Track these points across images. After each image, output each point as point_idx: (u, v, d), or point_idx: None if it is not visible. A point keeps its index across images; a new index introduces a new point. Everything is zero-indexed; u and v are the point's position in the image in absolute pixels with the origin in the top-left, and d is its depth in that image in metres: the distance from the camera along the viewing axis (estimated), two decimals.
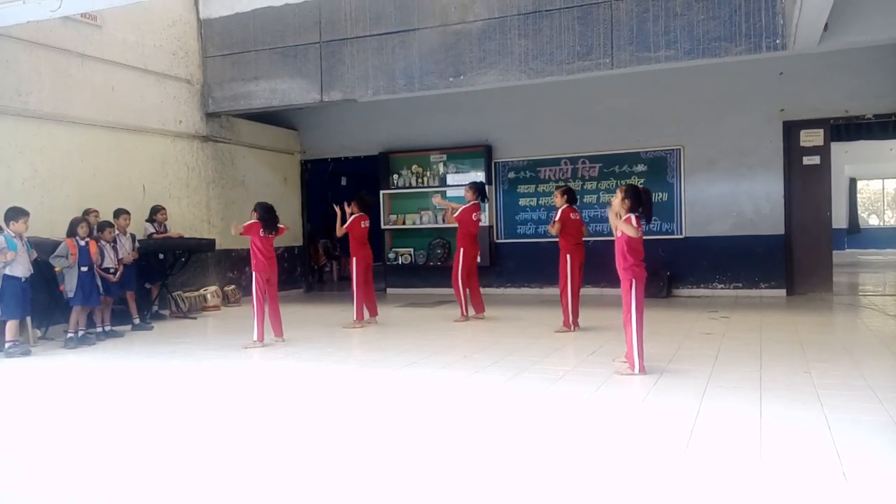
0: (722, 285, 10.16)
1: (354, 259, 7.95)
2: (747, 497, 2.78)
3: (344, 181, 15.46)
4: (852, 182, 21.02)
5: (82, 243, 7.12)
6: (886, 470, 3.06)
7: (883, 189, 23.18)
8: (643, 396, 4.40)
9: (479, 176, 11.15)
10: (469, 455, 3.42)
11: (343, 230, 7.94)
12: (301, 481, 3.15)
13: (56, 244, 7.07)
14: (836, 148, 12.27)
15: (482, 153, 11.32)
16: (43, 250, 7.07)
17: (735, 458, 3.21)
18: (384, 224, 11.93)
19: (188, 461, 3.49)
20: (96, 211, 8.00)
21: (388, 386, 5.00)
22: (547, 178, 11.03)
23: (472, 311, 8.18)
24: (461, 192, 9.10)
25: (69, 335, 7.08)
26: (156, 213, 9.02)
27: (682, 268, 10.21)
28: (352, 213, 7.95)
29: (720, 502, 2.75)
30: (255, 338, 6.72)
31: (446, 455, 3.44)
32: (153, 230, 8.94)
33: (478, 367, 5.42)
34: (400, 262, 11.99)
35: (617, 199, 5.13)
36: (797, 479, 2.93)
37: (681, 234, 10.32)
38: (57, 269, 7.05)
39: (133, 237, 8.35)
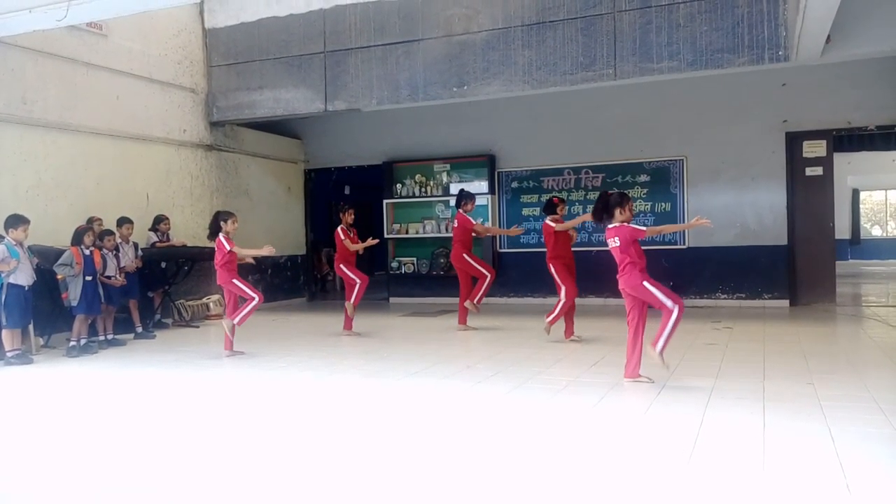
0: (725, 296, 10.14)
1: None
2: None
3: (347, 190, 15.49)
4: (855, 193, 21.04)
5: (87, 252, 7.13)
6: (890, 482, 3.04)
7: (886, 200, 23.14)
8: (646, 407, 4.39)
9: (483, 185, 11.23)
10: (473, 465, 3.41)
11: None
12: (302, 491, 3.14)
13: (59, 252, 7.08)
14: (839, 159, 12.29)
15: (485, 163, 11.34)
16: (46, 258, 7.08)
17: (738, 469, 3.20)
18: (387, 233, 11.94)
19: (188, 471, 3.49)
20: (100, 219, 8.03)
21: (390, 396, 4.99)
22: (550, 188, 11.03)
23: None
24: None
25: (71, 343, 7.08)
26: (159, 223, 9.04)
27: (684, 278, 10.16)
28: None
29: None
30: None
31: (450, 465, 3.43)
32: (156, 239, 8.96)
33: (481, 378, 5.42)
34: (403, 272, 12.00)
35: (627, 211, 5.15)
36: (800, 492, 2.92)
37: (684, 244, 10.31)
38: (59, 277, 7.06)
39: (136, 246, 8.38)
